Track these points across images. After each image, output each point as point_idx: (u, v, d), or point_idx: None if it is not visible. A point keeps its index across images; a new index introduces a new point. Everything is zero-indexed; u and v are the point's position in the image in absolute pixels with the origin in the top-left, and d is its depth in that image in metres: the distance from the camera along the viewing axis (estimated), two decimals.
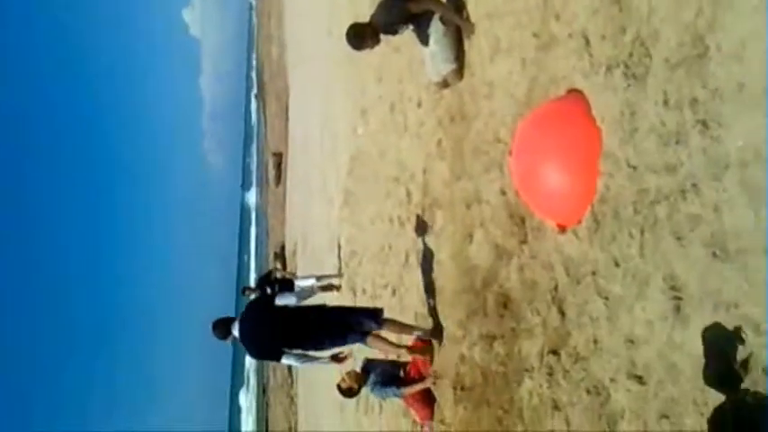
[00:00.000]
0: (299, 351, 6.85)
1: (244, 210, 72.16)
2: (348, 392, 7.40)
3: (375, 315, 7.01)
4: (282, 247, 32.12)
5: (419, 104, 8.39)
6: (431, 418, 7.15)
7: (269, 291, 13.72)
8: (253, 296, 15.24)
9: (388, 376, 7.29)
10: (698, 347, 3.27)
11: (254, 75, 71.25)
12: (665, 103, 3.63)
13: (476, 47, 6.52)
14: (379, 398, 7.98)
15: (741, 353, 2.96)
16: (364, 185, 11.96)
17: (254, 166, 66.29)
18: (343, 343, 6.96)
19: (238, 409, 57.87)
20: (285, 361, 6.87)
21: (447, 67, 6.78)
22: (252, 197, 64.73)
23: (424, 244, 7.87)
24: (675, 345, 3.46)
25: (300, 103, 29.26)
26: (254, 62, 70.44)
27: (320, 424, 16.01)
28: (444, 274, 7.13)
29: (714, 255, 3.19)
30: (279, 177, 39.25)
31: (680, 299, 3.44)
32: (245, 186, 70.71)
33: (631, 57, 4.01)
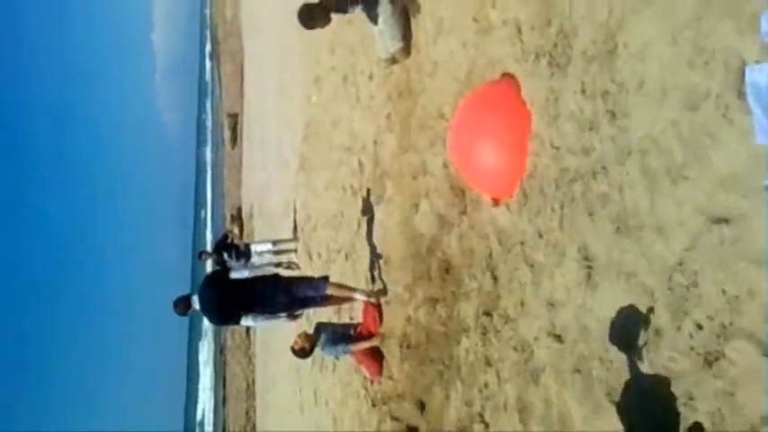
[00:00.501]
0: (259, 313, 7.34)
1: (199, 170, 71.60)
2: (301, 353, 7.85)
3: (318, 287, 7.64)
4: (239, 209, 32.27)
5: (370, 78, 8.74)
6: (380, 373, 7.63)
7: (225, 256, 14.05)
8: (209, 261, 15.58)
9: (339, 335, 7.77)
10: (605, 311, 3.74)
11: (207, 33, 70.30)
12: (583, 92, 4.06)
13: (422, 27, 6.88)
14: (330, 356, 8.45)
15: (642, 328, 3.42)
16: (318, 152, 12.30)
17: (209, 126, 65.71)
18: (298, 309, 7.49)
19: (197, 368, 58.07)
20: (243, 322, 7.35)
21: (395, 45, 7.14)
22: (207, 156, 64.34)
23: (369, 223, 8.33)
24: (587, 308, 3.93)
25: (255, 65, 29.26)
26: (208, 20, 69.43)
27: (277, 382, 16.49)
28: (393, 241, 7.56)
29: (618, 230, 3.65)
30: (234, 139, 39.16)
31: (591, 268, 3.90)
32: (201, 145, 70.11)
33: (556, 47, 4.42)
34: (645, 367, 3.35)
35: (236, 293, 7.39)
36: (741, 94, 2.80)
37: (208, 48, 68.26)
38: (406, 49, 7.14)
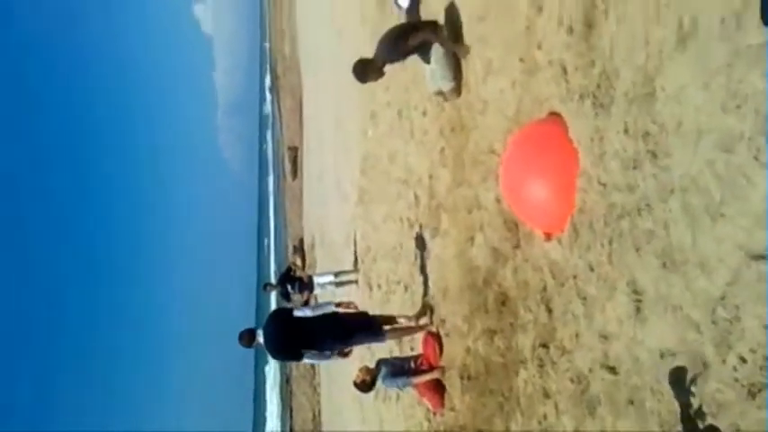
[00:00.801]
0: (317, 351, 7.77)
1: (262, 203, 72.84)
2: (362, 386, 8.07)
3: (376, 335, 8.13)
4: (301, 240, 32.79)
5: (424, 114, 8.98)
6: (442, 405, 7.78)
7: (289, 288, 14.43)
8: (273, 292, 16.00)
9: (399, 368, 7.97)
10: (655, 343, 3.87)
11: (267, 67, 71.86)
12: (626, 131, 4.22)
13: (471, 67, 7.11)
14: (392, 389, 8.64)
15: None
16: (376, 185, 12.57)
17: (269, 160, 66.91)
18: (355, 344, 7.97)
19: (264, 395, 58.57)
20: (306, 360, 7.64)
21: (446, 85, 7.39)
22: (270, 189, 65.46)
23: (422, 258, 8.54)
24: (638, 341, 4.06)
25: (313, 99, 29.86)
26: (268, 55, 71.03)
27: (342, 412, 16.69)
28: (450, 273, 7.74)
29: (664, 265, 3.79)
30: (295, 171, 39.87)
31: (640, 301, 4.04)
32: (263, 178, 71.44)
33: (599, 88, 4.59)
34: (695, 400, 3.47)
35: (298, 331, 7.71)
36: None
37: (267, 82, 69.71)
38: (457, 89, 7.38)
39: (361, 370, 8.12)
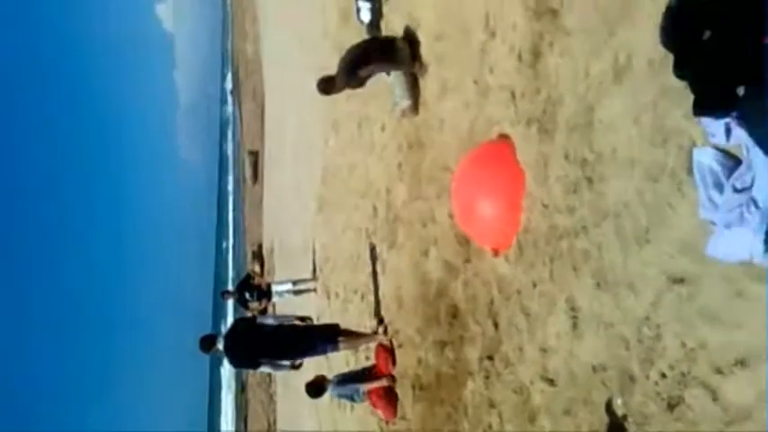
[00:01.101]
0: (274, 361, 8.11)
1: (221, 206, 72.37)
2: (313, 387, 8.26)
3: (331, 338, 8.35)
4: (260, 246, 32.78)
5: (382, 128, 9.21)
6: (394, 414, 8.01)
7: (247, 296, 14.53)
8: (231, 300, 16.10)
9: (350, 377, 8.20)
10: (589, 358, 4.14)
11: (228, 71, 71.52)
12: (567, 157, 4.49)
13: (429, 85, 7.36)
14: (342, 398, 8.85)
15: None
16: (336, 195, 12.76)
17: (230, 163, 66.54)
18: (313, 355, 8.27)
19: (218, 407, 58.02)
20: (261, 369, 8.26)
21: (403, 103, 7.65)
22: (229, 193, 65.09)
23: (374, 270, 8.88)
24: (574, 355, 4.33)
25: (276, 103, 29.93)
26: (230, 58, 70.69)
27: (298, 420, 16.81)
28: (405, 284, 7.97)
29: (597, 285, 4.06)
30: (255, 176, 39.81)
31: (576, 318, 4.31)
32: (222, 181, 70.90)
33: (544, 114, 4.86)
34: (620, 409, 3.75)
35: (258, 340, 7.95)
36: (691, 171, 3.22)
37: (229, 85, 69.36)
38: (414, 107, 7.64)
39: (316, 376, 8.33)
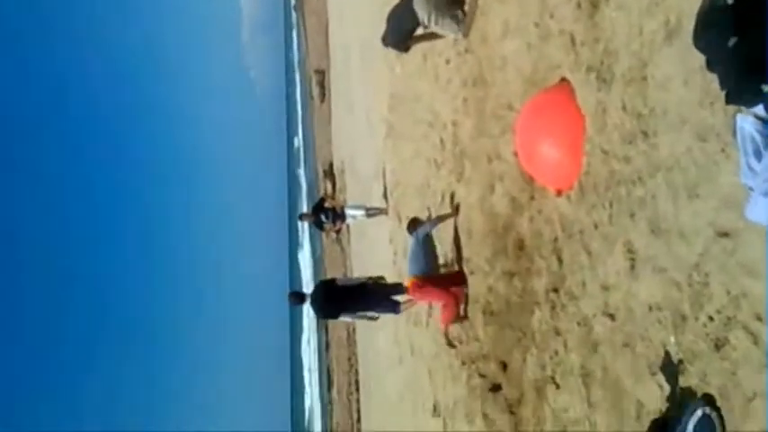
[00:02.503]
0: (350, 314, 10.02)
1: (290, 125, 73.16)
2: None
3: (393, 309, 9.94)
4: (331, 165, 33.45)
5: (447, 62, 9.45)
6: (451, 323, 9.00)
7: (323, 218, 15.19)
8: (307, 222, 16.91)
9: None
10: (646, 298, 4.50)
11: None
12: (624, 108, 4.75)
13: (491, 24, 7.55)
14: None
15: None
16: (404, 123, 13.10)
17: (297, 81, 66.84)
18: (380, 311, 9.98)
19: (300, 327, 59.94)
20: (341, 317, 10.10)
21: (458, 35, 8.15)
22: (298, 111, 65.65)
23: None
24: (632, 293, 4.69)
25: (339, 23, 30.01)
26: None
27: (376, 337, 17.62)
28: (474, 217, 8.36)
29: (652, 231, 4.38)
30: (323, 95, 40.19)
31: (634, 260, 4.65)
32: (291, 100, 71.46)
33: (602, 64, 5.09)
34: (673, 347, 4.13)
35: (337, 299, 9.63)
36: (735, 135, 3.48)
37: (293, 1, 68.97)
38: (466, 33, 8.21)
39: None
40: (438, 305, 9.19)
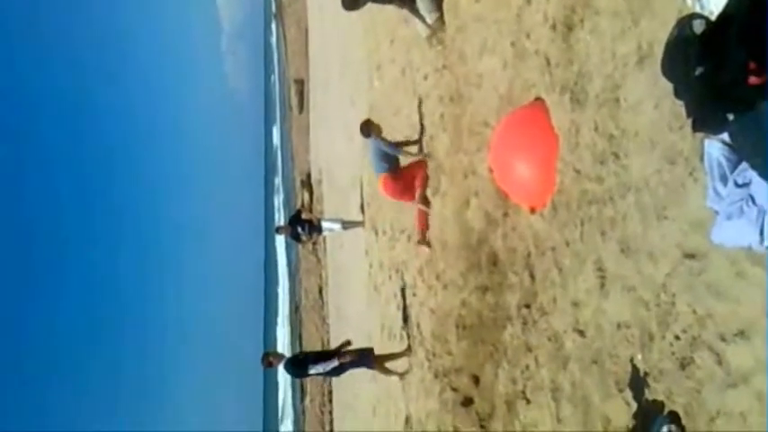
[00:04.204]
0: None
1: (268, 134, 73.08)
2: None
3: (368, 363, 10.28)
4: (308, 175, 33.44)
5: (425, 77, 9.53)
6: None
7: (299, 230, 15.18)
8: (284, 235, 16.84)
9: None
10: (615, 316, 4.58)
11: None
12: (596, 129, 4.84)
13: (468, 42, 7.64)
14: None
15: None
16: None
17: (276, 90, 66.80)
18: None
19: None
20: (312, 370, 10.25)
21: (432, 16, 8.20)
22: (276, 120, 65.59)
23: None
24: (601, 310, 4.77)
25: (319, 34, 30.05)
26: None
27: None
28: (449, 230, 8.43)
29: (622, 250, 4.47)
30: (301, 105, 40.19)
31: (604, 278, 4.73)
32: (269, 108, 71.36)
33: (576, 85, 5.19)
34: (640, 364, 4.21)
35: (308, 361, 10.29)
36: (703, 159, 3.57)
37: (273, 9, 69.00)
38: (441, 18, 8.40)
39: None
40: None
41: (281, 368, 10.30)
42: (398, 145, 10.03)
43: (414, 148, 9.95)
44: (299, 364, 10.30)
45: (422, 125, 9.77)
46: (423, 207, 9.52)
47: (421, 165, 9.58)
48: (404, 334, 10.83)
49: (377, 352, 10.44)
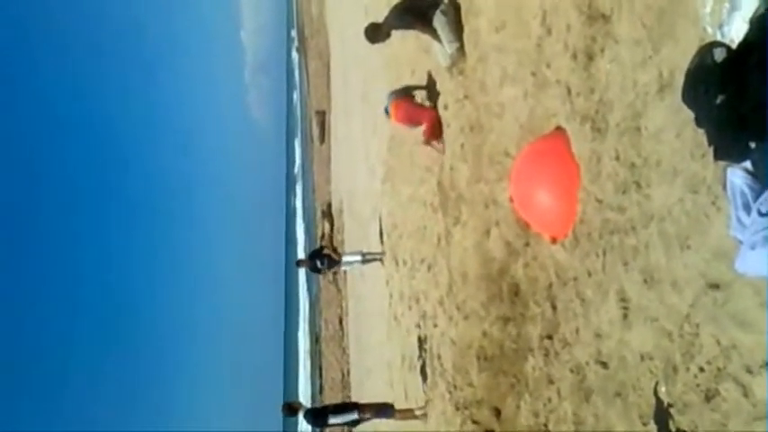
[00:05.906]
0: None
1: (290, 164, 73.62)
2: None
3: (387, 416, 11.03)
4: (329, 205, 33.61)
5: (446, 107, 9.56)
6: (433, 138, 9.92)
7: (318, 264, 15.28)
8: (304, 268, 16.96)
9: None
10: (638, 347, 4.51)
11: (294, 28, 72.09)
12: (617, 158, 4.81)
13: (489, 72, 7.67)
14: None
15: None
16: (402, 166, 13.19)
17: (297, 121, 67.50)
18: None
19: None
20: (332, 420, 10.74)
21: (452, 46, 8.33)
22: (297, 151, 66.10)
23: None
24: (624, 342, 4.70)
25: (341, 66, 30.34)
26: (295, 16, 71.20)
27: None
28: (469, 260, 8.40)
29: (645, 281, 4.41)
30: (322, 136, 40.54)
31: (627, 309, 4.67)
32: (291, 140, 71.88)
33: (597, 114, 5.17)
34: (664, 396, 4.13)
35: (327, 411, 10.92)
36: (726, 187, 3.53)
37: (295, 44, 69.92)
38: (462, 48, 8.47)
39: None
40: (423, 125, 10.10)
41: (300, 417, 10.64)
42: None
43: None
44: (319, 414, 10.87)
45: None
46: (432, 145, 10.10)
47: (432, 111, 10.09)
48: (424, 388, 10.81)
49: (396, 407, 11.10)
